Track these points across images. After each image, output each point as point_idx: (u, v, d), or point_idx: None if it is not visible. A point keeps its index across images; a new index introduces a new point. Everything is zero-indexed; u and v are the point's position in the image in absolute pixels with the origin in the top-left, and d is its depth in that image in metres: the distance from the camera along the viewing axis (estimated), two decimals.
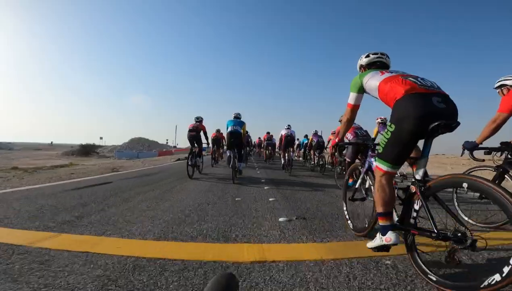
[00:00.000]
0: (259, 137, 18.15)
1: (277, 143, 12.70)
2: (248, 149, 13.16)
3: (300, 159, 14.14)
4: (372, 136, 5.48)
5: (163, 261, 1.66)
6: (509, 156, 2.44)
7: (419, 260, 1.50)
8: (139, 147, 48.36)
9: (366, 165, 2.42)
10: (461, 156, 2.69)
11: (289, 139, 8.44)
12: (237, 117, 6.54)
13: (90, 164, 13.02)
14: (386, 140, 1.63)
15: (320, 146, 8.83)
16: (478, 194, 2.30)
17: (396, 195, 1.73)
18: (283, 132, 8.58)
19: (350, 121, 2.19)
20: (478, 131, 2.57)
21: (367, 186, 2.41)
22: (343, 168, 5.93)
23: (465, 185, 1.32)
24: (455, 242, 1.31)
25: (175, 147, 49.81)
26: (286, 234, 2.26)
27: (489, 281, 1.13)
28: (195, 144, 6.69)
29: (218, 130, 10.66)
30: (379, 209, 1.66)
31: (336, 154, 5.63)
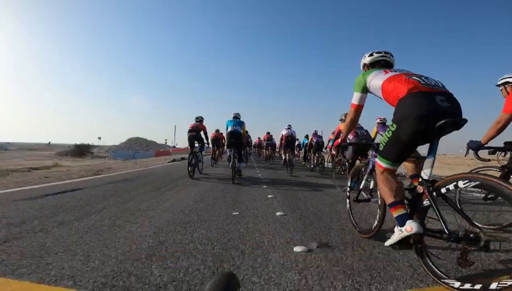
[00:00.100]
0: (259, 138, 18.15)
1: (278, 143, 12.67)
2: (248, 149, 13.14)
3: (301, 158, 14.13)
4: (371, 136, 5.47)
5: None
6: None
7: (430, 262, 1.46)
8: (137, 147, 48.13)
9: (370, 166, 2.39)
10: (465, 155, 2.67)
11: (290, 140, 8.42)
12: (237, 117, 6.54)
13: (78, 165, 12.04)
14: (387, 139, 1.63)
15: (319, 146, 8.83)
16: (483, 195, 2.28)
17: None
18: (284, 132, 8.55)
19: (354, 122, 2.16)
20: (480, 131, 2.55)
21: (371, 187, 2.38)
22: (344, 168, 5.92)
23: (477, 183, 1.29)
24: (467, 244, 1.28)
25: (174, 147, 49.60)
26: (308, 279, 1.46)
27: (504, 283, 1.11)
28: (195, 144, 6.66)
29: (217, 131, 10.64)
30: (389, 200, 1.62)
31: (339, 155, 5.63)
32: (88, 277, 1.44)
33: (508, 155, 2.47)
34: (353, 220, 2.42)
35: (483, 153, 2.53)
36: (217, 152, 10.21)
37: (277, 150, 16.03)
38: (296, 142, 12.29)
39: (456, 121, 1.43)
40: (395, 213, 1.58)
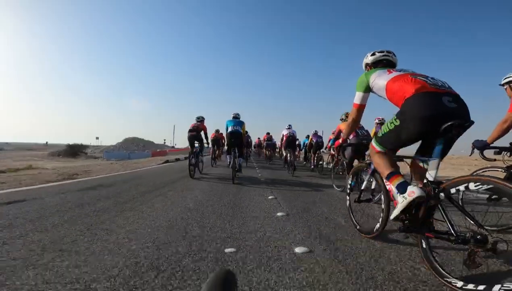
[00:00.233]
0: (259, 138, 18.18)
1: (278, 143, 12.64)
2: (248, 149, 13.15)
3: (301, 158, 14.13)
4: (371, 136, 5.45)
5: None
6: None
7: (433, 260, 1.43)
8: (133, 147, 47.85)
9: (372, 166, 2.37)
10: (470, 155, 2.63)
11: (291, 139, 8.41)
12: (236, 117, 6.54)
13: (57, 167, 10.99)
14: (388, 130, 1.67)
15: (319, 146, 8.81)
16: (486, 196, 2.25)
17: None
18: (285, 132, 8.53)
19: (356, 122, 2.14)
20: (479, 131, 2.52)
21: (373, 187, 2.35)
22: (342, 168, 5.90)
23: (489, 186, 1.25)
24: (475, 245, 1.25)
25: (173, 147, 49.35)
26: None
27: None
28: (196, 144, 6.64)
29: (217, 131, 10.62)
30: (386, 172, 1.69)
31: (340, 156, 5.60)
32: None
33: None
34: (353, 220, 2.40)
35: (488, 153, 2.50)
36: (217, 152, 10.19)
37: (277, 150, 16.02)
38: (297, 143, 12.31)
39: (462, 123, 1.41)
40: (394, 183, 1.60)
